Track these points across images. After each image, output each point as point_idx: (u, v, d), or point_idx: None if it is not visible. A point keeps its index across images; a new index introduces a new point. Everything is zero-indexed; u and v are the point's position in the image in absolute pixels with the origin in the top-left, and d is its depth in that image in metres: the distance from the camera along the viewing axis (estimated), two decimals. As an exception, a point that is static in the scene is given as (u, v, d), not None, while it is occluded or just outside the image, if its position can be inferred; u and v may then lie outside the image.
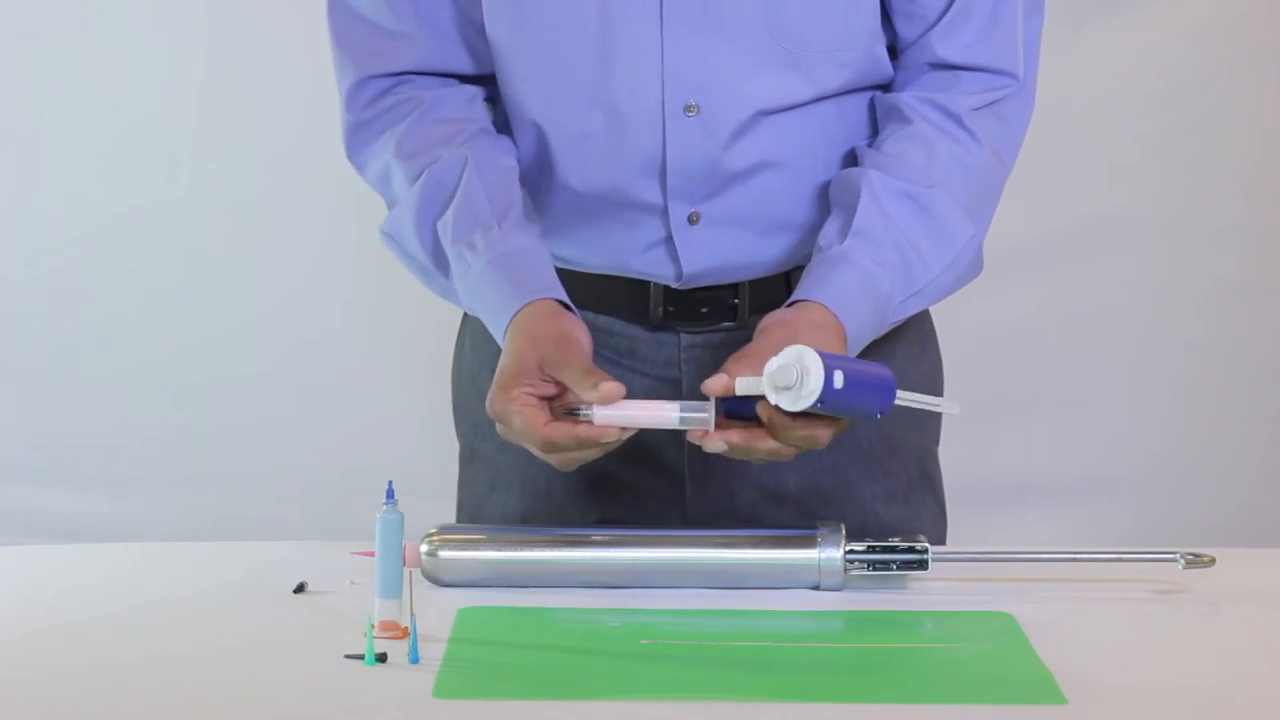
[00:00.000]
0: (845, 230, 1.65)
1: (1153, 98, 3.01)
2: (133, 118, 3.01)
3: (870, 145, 1.73)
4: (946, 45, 1.71)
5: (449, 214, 1.69)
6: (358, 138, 1.77)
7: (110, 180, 3.02)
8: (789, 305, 1.63)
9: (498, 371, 1.60)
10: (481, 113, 1.77)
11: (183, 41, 2.98)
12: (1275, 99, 3.01)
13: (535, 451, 1.57)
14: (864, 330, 1.63)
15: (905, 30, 1.74)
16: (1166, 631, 1.53)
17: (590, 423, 1.54)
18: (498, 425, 1.59)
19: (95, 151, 3.02)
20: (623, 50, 1.68)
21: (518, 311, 1.63)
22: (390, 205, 1.75)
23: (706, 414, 1.54)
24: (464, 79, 1.77)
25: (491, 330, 1.67)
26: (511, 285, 1.65)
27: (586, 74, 1.70)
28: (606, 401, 1.53)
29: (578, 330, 1.61)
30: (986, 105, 1.72)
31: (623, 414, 1.54)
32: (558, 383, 1.57)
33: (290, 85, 2.95)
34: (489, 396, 1.59)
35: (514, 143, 1.77)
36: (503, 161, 1.74)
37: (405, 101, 1.75)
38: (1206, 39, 2.99)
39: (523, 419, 1.56)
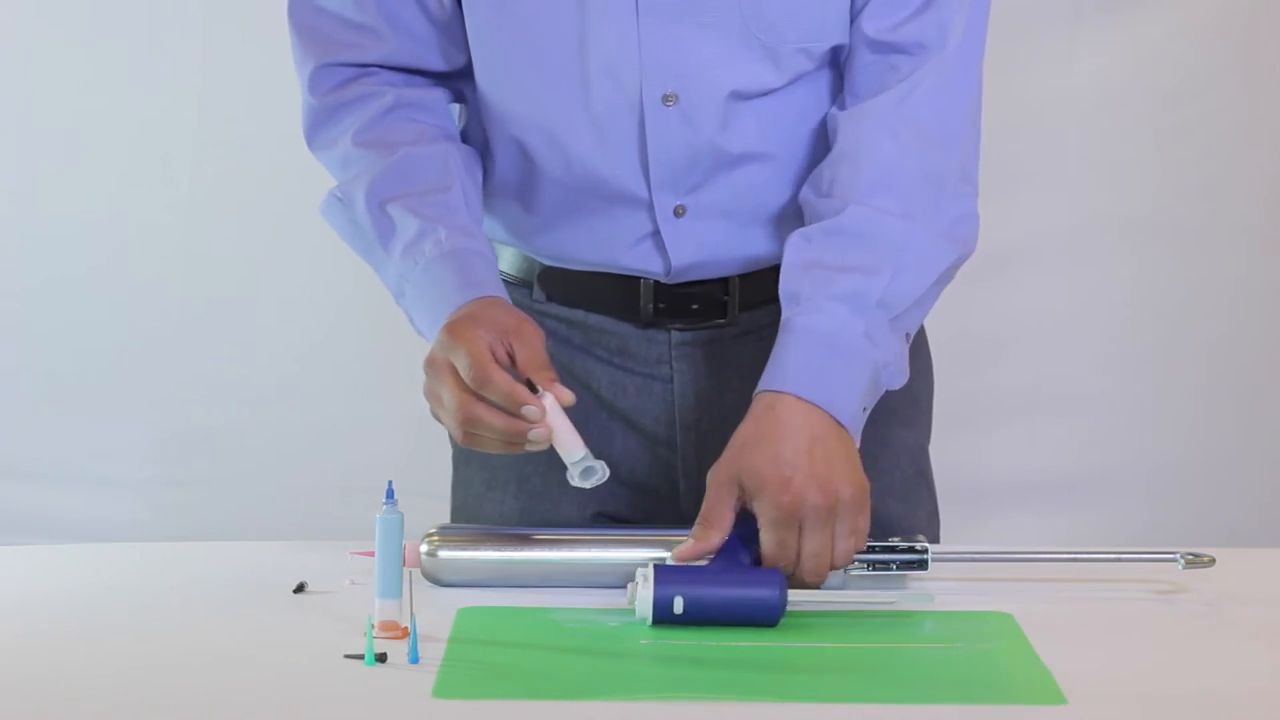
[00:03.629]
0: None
1: (1153, 97, 3.01)
2: (133, 118, 3.01)
3: (807, 184, 1.72)
4: (875, 23, 1.69)
5: (428, 196, 1.68)
6: (321, 125, 1.76)
7: (110, 180, 3.02)
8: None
9: (455, 314, 1.60)
10: (450, 120, 1.78)
11: (183, 42, 2.98)
12: (1276, 98, 3.01)
13: (449, 410, 1.56)
14: (830, 375, 1.60)
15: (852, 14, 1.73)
16: (1166, 631, 1.53)
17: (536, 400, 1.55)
18: (428, 369, 1.59)
19: (95, 152, 3.02)
20: (600, 41, 1.68)
21: (478, 299, 1.62)
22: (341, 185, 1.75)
23: (601, 474, 1.56)
24: (431, 76, 1.77)
25: (429, 309, 1.65)
26: (467, 278, 1.64)
27: (566, 66, 1.70)
28: (559, 399, 1.55)
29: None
30: (916, 88, 1.69)
31: (560, 421, 1.55)
32: (509, 354, 1.58)
33: (290, 85, 2.93)
34: (442, 329, 1.58)
35: (488, 147, 1.78)
36: (477, 174, 1.75)
37: (371, 94, 1.74)
38: (1207, 38, 2.99)
39: (472, 351, 1.55)
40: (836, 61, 1.74)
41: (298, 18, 1.77)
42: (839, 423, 1.59)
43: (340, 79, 1.76)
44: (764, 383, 1.61)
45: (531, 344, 1.58)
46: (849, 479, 1.57)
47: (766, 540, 1.56)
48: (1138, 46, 2.99)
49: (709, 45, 1.69)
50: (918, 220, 1.67)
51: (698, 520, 1.57)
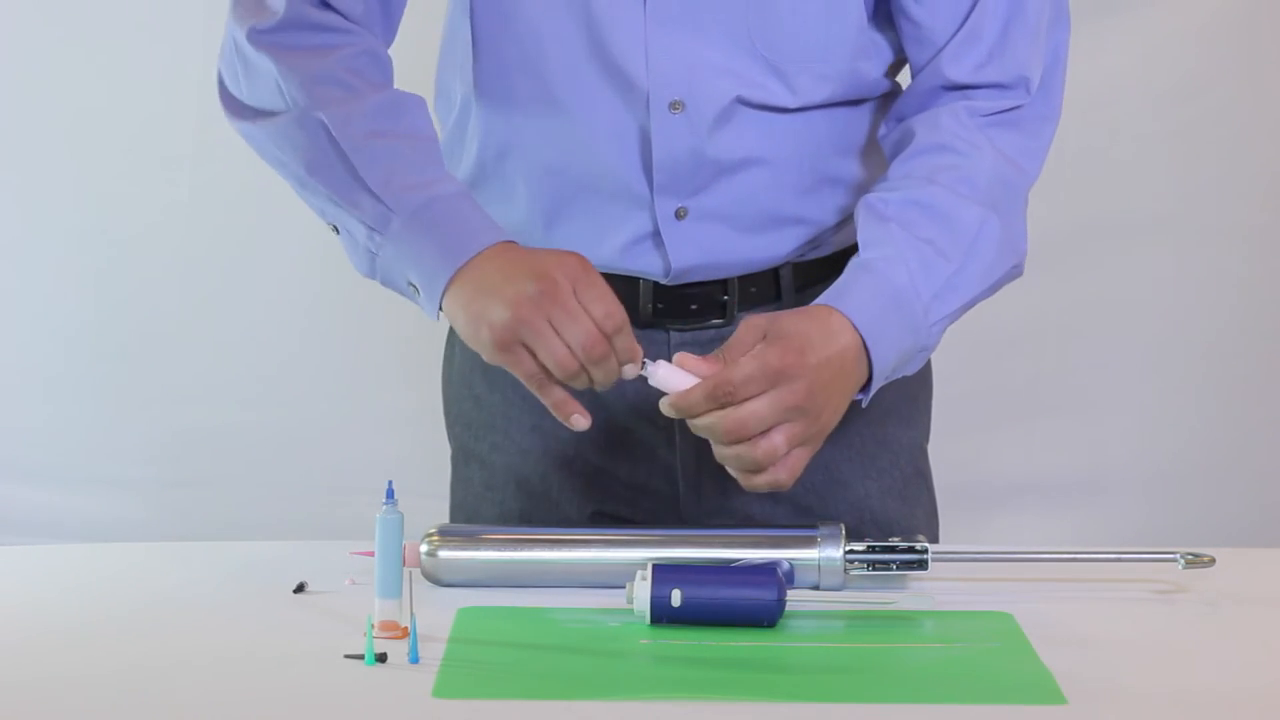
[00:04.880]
0: (857, 251, 1.65)
1: (1154, 97, 3.01)
2: (133, 119, 3.01)
3: (880, 179, 1.72)
4: (956, 67, 1.71)
5: (419, 142, 1.65)
6: (288, 29, 1.68)
7: (110, 181, 3.03)
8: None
9: (563, 255, 1.58)
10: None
11: (183, 42, 2.98)
12: (1276, 98, 3.01)
13: (578, 340, 1.54)
14: (884, 327, 1.60)
15: (916, 55, 1.73)
16: (1166, 631, 1.53)
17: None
18: (528, 300, 1.54)
19: (95, 152, 3.02)
20: (608, 48, 1.68)
21: (505, 248, 1.60)
22: (286, 104, 1.66)
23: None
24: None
25: (442, 247, 1.60)
26: (483, 218, 1.62)
27: (572, 72, 1.70)
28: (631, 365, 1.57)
29: None
30: (997, 113, 1.71)
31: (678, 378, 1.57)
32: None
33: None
34: (560, 260, 1.56)
35: (491, 144, 1.77)
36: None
37: (349, 29, 1.69)
38: (1208, 38, 2.99)
39: (608, 303, 1.55)
40: (850, 98, 1.74)
41: None
42: (866, 376, 1.59)
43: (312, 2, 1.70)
44: (827, 299, 1.60)
45: (602, 294, 1.56)
46: (832, 413, 1.58)
47: (726, 377, 1.54)
48: (1138, 46, 2.99)
49: (717, 55, 1.68)
50: (995, 213, 1.67)
51: (719, 349, 1.57)
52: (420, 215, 1.62)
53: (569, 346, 1.55)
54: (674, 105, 1.69)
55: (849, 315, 1.59)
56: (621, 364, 1.57)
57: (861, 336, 1.59)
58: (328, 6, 1.70)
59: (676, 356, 1.57)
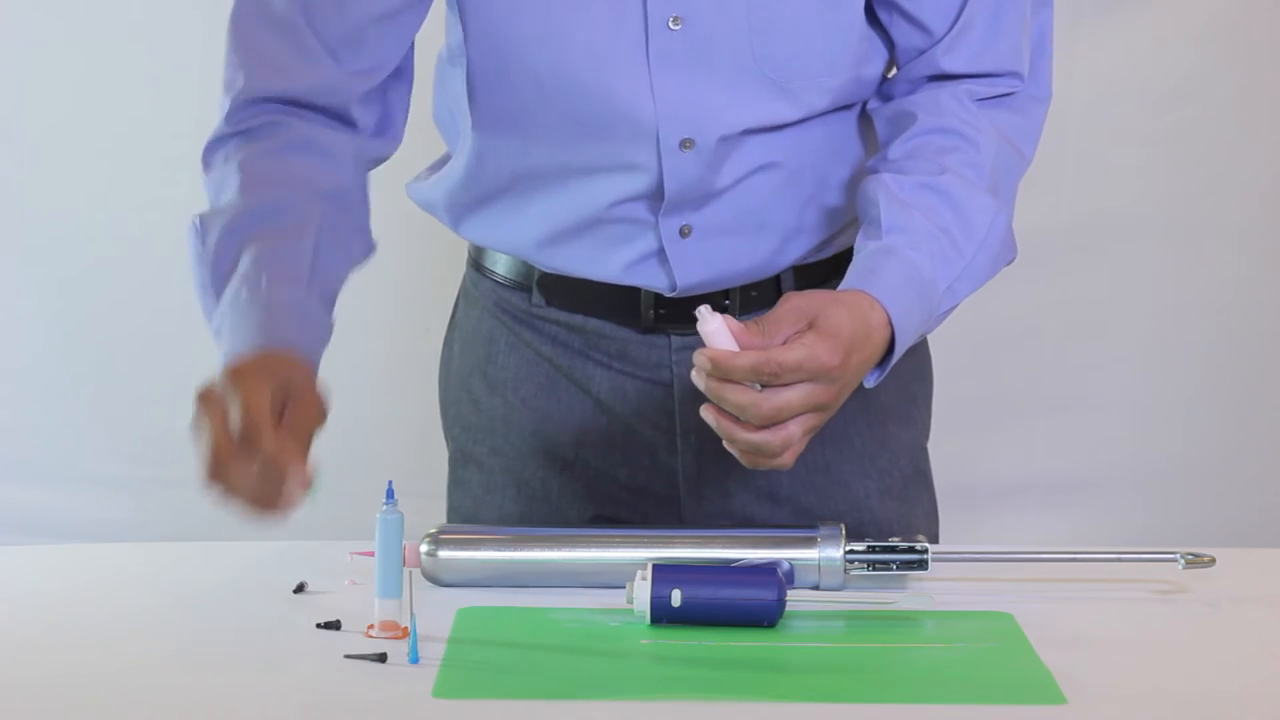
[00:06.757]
0: (877, 232, 1.62)
1: (1154, 96, 3.01)
2: (133, 118, 3.01)
3: (879, 156, 1.71)
4: (951, 58, 1.70)
5: (277, 244, 1.57)
6: (220, 145, 1.66)
7: (110, 180, 3.02)
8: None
9: (243, 357, 1.47)
10: (347, 171, 1.66)
11: (183, 41, 2.98)
12: (1274, 98, 3.01)
13: (202, 452, 1.41)
14: (911, 318, 1.58)
15: (907, 43, 1.72)
16: (1166, 631, 1.53)
17: None
18: (200, 401, 1.42)
19: (95, 152, 3.02)
20: (613, 95, 1.66)
21: (273, 349, 1.49)
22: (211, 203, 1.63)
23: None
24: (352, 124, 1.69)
25: (226, 348, 1.51)
26: (268, 325, 1.51)
27: (575, 122, 1.68)
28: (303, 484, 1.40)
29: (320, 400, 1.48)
30: (993, 97, 1.71)
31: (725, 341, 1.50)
32: (283, 403, 1.43)
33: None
34: (225, 369, 1.45)
35: (497, 169, 1.74)
36: (348, 240, 1.66)
37: (276, 124, 1.64)
38: (1208, 37, 2.99)
39: (249, 402, 1.39)
40: (850, 102, 1.74)
41: (241, 33, 1.69)
42: (884, 356, 1.57)
43: (257, 110, 1.66)
44: (865, 285, 1.57)
45: (305, 412, 1.44)
46: (841, 403, 1.55)
47: (776, 358, 1.49)
48: (1137, 46, 2.99)
49: (723, 90, 1.67)
50: (1002, 203, 1.65)
51: (758, 320, 1.52)
52: (227, 323, 1.53)
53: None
54: (685, 143, 1.68)
55: (886, 308, 1.56)
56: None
57: (893, 330, 1.57)
58: (279, 110, 1.65)
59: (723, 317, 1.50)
